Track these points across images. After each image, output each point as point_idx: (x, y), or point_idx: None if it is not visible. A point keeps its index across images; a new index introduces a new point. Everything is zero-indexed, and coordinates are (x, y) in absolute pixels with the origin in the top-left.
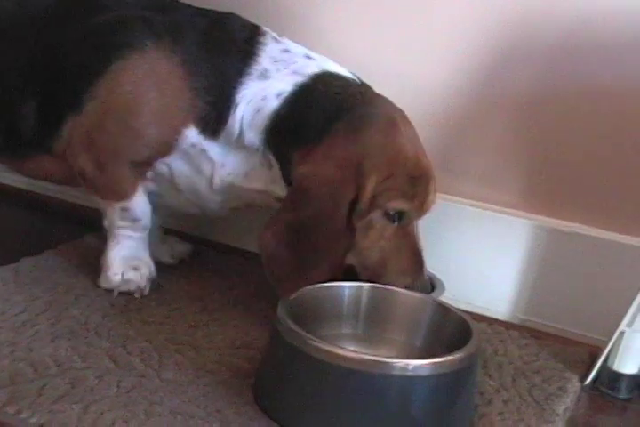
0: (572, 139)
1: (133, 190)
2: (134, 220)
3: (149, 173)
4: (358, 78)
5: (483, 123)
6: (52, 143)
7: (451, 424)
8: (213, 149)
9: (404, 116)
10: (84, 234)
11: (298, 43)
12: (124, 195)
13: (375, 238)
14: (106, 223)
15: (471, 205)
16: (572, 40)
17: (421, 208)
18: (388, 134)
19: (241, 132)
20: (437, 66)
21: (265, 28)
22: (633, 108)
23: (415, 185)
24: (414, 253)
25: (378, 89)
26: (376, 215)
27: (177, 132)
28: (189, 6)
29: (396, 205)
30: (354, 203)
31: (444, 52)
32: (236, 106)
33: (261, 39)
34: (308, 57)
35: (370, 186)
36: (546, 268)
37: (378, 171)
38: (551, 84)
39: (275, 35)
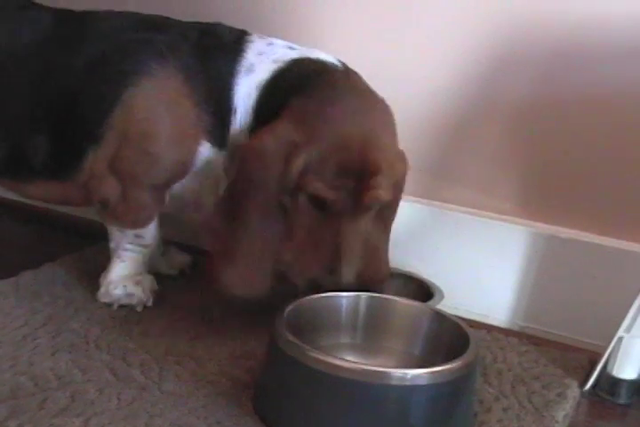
0: (570, 146)
1: (152, 218)
2: (144, 245)
3: (167, 197)
4: (343, 65)
5: (480, 129)
6: (72, 174)
7: None
8: (220, 159)
9: (375, 105)
10: (84, 247)
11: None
12: (142, 223)
13: (297, 223)
14: (112, 245)
15: (468, 213)
16: (569, 46)
17: (358, 202)
18: (336, 119)
19: (244, 135)
20: (433, 71)
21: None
22: (631, 116)
23: (345, 176)
24: (333, 249)
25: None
26: (302, 198)
27: (192, 151)
28: (179, 22)
29: (314, 189)
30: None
31: (441, 57)
32: (236, 109)
33: (248, 38)
34: (291, 48)
35: (296, 165)
36: (544, 274)
37: (309, 152)
38: (549, 91)
39: (262, 35)
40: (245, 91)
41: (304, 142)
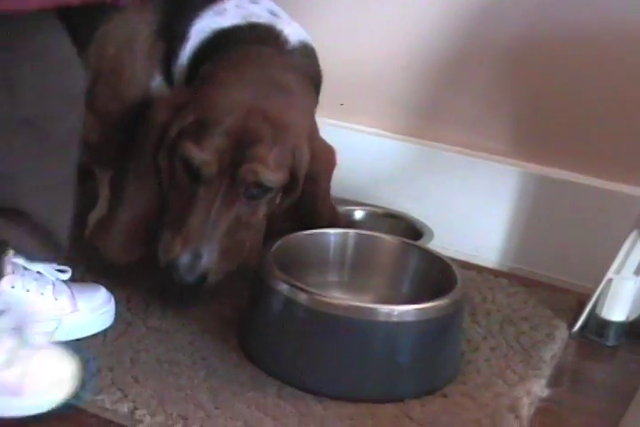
0: (562, 86)
1: None
2: None
3: None
4: (302, 44)
5: (471, 69)
6: None
7: (437, 370)
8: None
9: (291, 86)
10: None
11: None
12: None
13: (170, 190)
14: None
15: (460, 153)
16: None
17: (233, 175)
18: (228, 85)
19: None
20: (424, 11)
21: None
22: (625, 56)
23: (220, 139)
24: (197, 224)
25: (364, 33)
26: (177, 162)
27: (148, 87)
28: None
29: (182, 149)
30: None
31: None
32: (186, 42)
33: None
34: (272, 12)
35: (173, 125)
36: (535, 216)
37: (187, 114)
38: (539, 30)
39: None
40: (201, 28)
41: (187, 105)
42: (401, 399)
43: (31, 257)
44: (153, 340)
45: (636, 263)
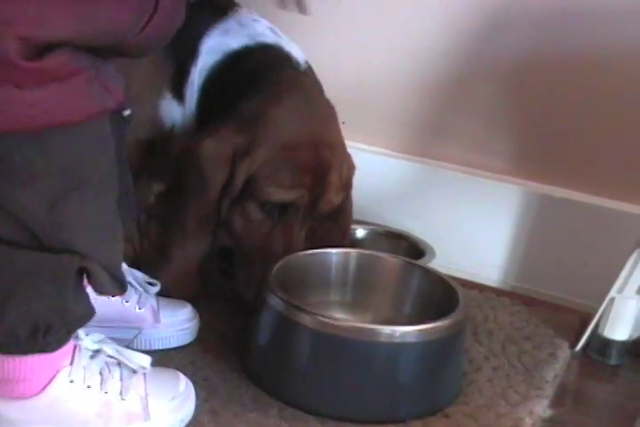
0: (564, 105)
1: None
2: None
3: None
4: (306, 64)
5: (474, 87)
6: None
7: (439, 391)
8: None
9: (319, 105)
10: None
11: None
12: None
13: (247, 228)
14: None
15: (462, 171)
16: (565, 4)
17: (314, 206)
18: (279, 119)
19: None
20: (429, 29)
21: None
22: (628, 75)
23: (300, 174)
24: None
25: (366, 51)
26: (252, 206)
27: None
28: None
29: (267, 194)
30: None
31: (436, 15)
32: (198, 56)
33: (238, 8)
34: (274, 32)
35: (240, 171)
36: (537, 234)
37: (254, 156)
38: (544, 49)
39: (251, 10)
40: (210, 48)
41: (248, 146)
42: (403, 420)
43: (103, 290)
44: (154, 360)
45: (639, 282)
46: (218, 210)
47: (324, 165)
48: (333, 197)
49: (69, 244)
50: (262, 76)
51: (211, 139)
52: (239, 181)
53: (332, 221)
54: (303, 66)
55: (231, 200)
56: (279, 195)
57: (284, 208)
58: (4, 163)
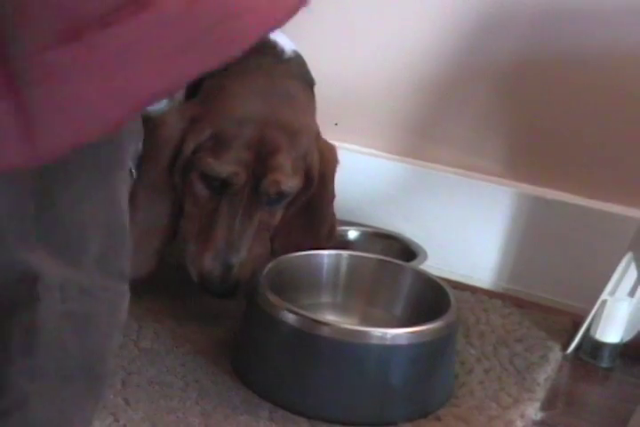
0: (556, 106)
1: None
2: None
3: None
4: (294, 52)
5: (466, 90)
6: None
7: (430, 394)
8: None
9: (294, 92)
10: None
11: None
12: None
13: (190, 203)
14: None
15: (454, 173)
16: (557, 5)
17: (257, 187)
18: (238, 96)
19: None
20: (420, 31)
21: None
22: (621, 76)
23: (242, 151)
24: (225, 235)
25: (358, 54)
26: (195, 177)
27: None
28: None
29: (205, 165)
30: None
31: (428, 17)
32: None
33: None
34: None
35: (188, 141)
36: (529, 236)
37: (202, 129)
38: (535, 51)
39: None
40: None
41: (200, 119)
42: (394, 422)
43: None
44: (145, 361)
45: (631, 285)
46: (170, 181)
47: (269, 145)
48: (281, 181)
49: None
50: (239, 59)
51: (174, 111)
52: (187, 150)
53: (305, 220)
54: (288, 54)
55: (180, 170)
56: (215, 167)
57: (225, 186)
58: None
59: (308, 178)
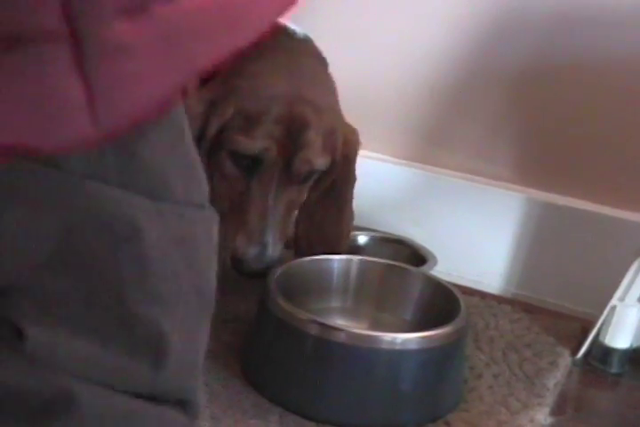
0: (567, 112)
1: None
2: None
3: None
4: (304, 36)
5: (477, 95)
6: None
7: (440, 398)
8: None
9: (313, 68)
10: None
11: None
12: None
13: (219, 184)
14: None
15: (464, 178)
16: (569, 11)
17: (290, 165)
18: (259, 75)
19: None
20: (431, 36)
21: None
22: (631, 82)
23: (270, 127)
24: (258, 215)
25: (368, 58)
26: (223, 157)
27: None
28: None
29: (234, 143)
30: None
31: (440, 22)
32: None
33: None
34: None
35: (212, 122)
36: (538, 241)
37: (225, 108)
38: (546, 56)
39: None
40: None
41: (222, 99)
42: None
43: None
44: None
45: None
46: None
47: (298, 121)
48: (312, 158)
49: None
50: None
51: (194, 94)
52: (212, 131)
53: (328, 200)
54: (300, 35)
55: (206, 151)
56: (245, 144)
57: (256, 164)
58: None
59: (332, 159)
